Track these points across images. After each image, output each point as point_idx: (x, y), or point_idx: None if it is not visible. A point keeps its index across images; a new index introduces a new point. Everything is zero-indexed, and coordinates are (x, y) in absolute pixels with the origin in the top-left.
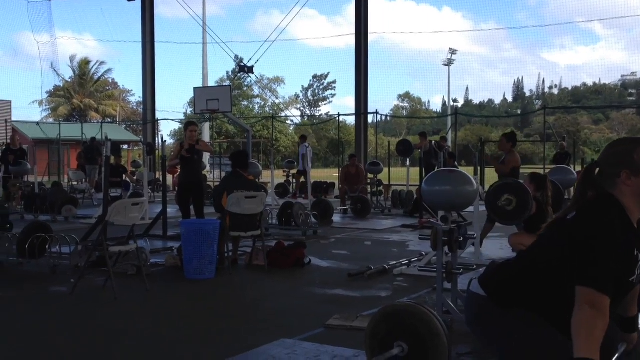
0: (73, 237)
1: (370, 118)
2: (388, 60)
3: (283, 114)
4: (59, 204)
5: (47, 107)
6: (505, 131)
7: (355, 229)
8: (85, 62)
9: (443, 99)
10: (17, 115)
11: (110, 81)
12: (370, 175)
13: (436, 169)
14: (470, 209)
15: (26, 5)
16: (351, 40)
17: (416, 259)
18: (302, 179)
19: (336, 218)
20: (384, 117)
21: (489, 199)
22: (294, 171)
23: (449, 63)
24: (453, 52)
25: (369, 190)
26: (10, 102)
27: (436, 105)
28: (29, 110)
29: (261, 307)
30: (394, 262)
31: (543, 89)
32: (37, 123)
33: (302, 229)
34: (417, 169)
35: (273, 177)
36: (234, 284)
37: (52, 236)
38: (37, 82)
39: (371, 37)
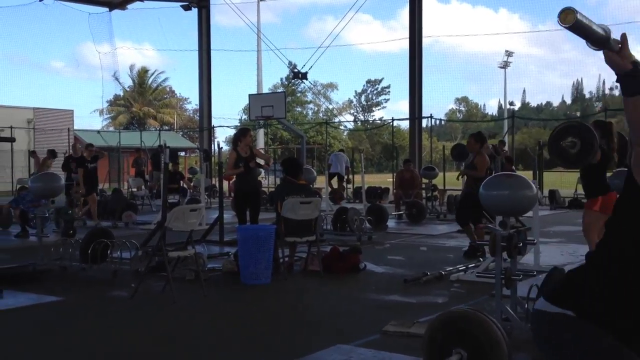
0: (133, 243)
1: (424, 122)
2: (442, 63)
3: (336, 120)
4: (119, 210)
5: (108, 115)
6: None
7: (411, 234)
8: (144, 72)
9: (499, 102)
10: (79, 124)
11: (168, 89)
12: (425, 180)
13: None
14: (529, 213)
15: (87, 17)
16: (405, 45)
17: (473, 265)
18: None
19: (391, 223)
20: (438, 121)
21: (552, 141)
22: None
23: (505, 65)
24: (509, 54)
25: (424, 195)
26: (72, 111)
27: (492, 109)
28: (90, 119)
29: (316, 312)
30: (451, 268)
31: (603, 90)
32: (98, 131)
33: (357, 234)
34: None
35: (327, 182)
36: (290, 289)
37: (113, 242)
38: (98, 92)
39: (426, 41)
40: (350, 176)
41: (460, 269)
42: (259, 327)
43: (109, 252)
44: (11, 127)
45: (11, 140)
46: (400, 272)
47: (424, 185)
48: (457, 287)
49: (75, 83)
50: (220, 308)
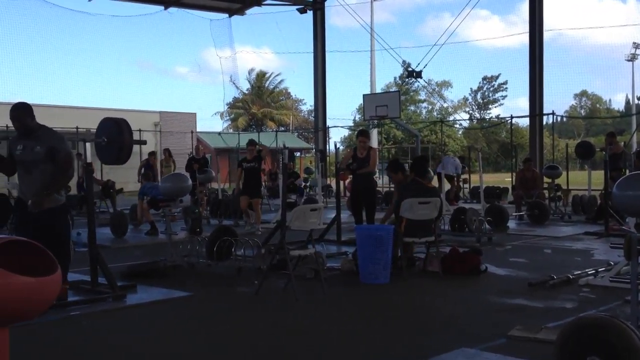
0: (255, 241)
1: (545, 119)
2: (565, 57)
3: (451, 118)
4: (241, 210)
5: (228, 118)
6: None
7: (533, 236)
8: (262, 75)
9: (626, 97)
10: (201, 126)
11: (284, 91)
12: (547, 180)
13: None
14: None
15: (209, 23)
16: (525, 39)
17: (604, 268)
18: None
19: (511, 224)
20: (559, 118)
21: None
22: (464, 176)
23: (632, 58)
24: (637, 46)
25: (547, 195)
26: (195, 114)
27: (618, 104)
28: (211, 121)
29: (438, 313)
30: (579, 272)
31: None
32: (219, 133)
33: (476, 235)
34: (600, 172)
35: (442, 182)
36: (409, 290)
37: (237, 240)
38: (219, 95)
39: (547, 35)
40: (466, 176)
41: (589, 272)
42: (380, 327)
43: (233, 249)
44: (140, 130)
45: (142, 142)
46: (524, 275)
47: (546, 185)
48: (587, 292)
49: (198, 87)
50: (341, 307)
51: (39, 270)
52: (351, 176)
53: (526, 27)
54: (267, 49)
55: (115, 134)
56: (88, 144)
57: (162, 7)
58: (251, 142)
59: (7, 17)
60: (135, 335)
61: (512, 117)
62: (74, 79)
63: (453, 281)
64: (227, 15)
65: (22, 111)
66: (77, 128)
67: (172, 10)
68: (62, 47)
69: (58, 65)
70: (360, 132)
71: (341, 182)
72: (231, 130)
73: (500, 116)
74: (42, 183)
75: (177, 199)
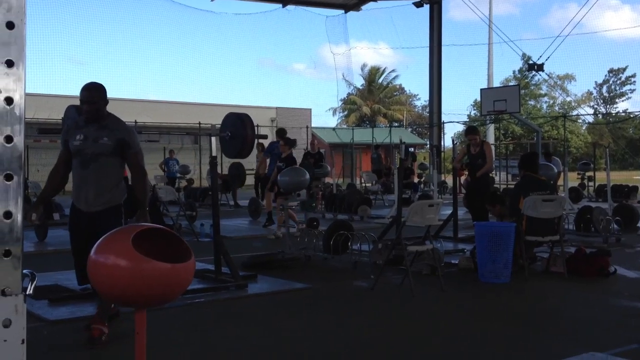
0: (371, 236)
1: None
2: None
3: (574, 113)
4: (355, 204)
5: (342, 113)
6: None
7: None
8: (374, 70)
9: None
10: (315, 122)
11: (398, 87)
12: None
13: None
14: None
15: (325, 20)
16: None
17: None
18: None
19: None
20: None
21: None
22: (589, 173)
23: None
24: None
25: None
26: (310, 110)
27: None
28: (325, 116)
29: (563, 316)
30: None
31: None
32: (333, 129)
33: (604, 235)
34: None
35: (566, 180)
36: (532, 290)
37: (353, 234)
38: (334, 91)
39: None
40: (591, 173)
41: None
42: (501, 328)
43: (349, 244)
44: (257, 126)
45: (263, 137)
46: None
47: None
48: None
49: (314, 83)
50: (459, 306)
51: (175, 257)
52: (467, 173)
53: None
54: (383, 44)
55: (238, 129)
56: (213, 138)
57: (281, 5)
58: (283, 139)
59: (141, 20)
60: (256, 324)
61: None
62: (199, 76)
63: (579, 283)
64: (343, 11)
65: (99, 92)
66: (199, 123)
67: (290, 7)
68: (188, 45)
69: (184, 63)
70: (468, 130)
71: (458, 178)
72: (344, 126)
73: (628, 111)
74: (96, 178)
75: (294, 192)
